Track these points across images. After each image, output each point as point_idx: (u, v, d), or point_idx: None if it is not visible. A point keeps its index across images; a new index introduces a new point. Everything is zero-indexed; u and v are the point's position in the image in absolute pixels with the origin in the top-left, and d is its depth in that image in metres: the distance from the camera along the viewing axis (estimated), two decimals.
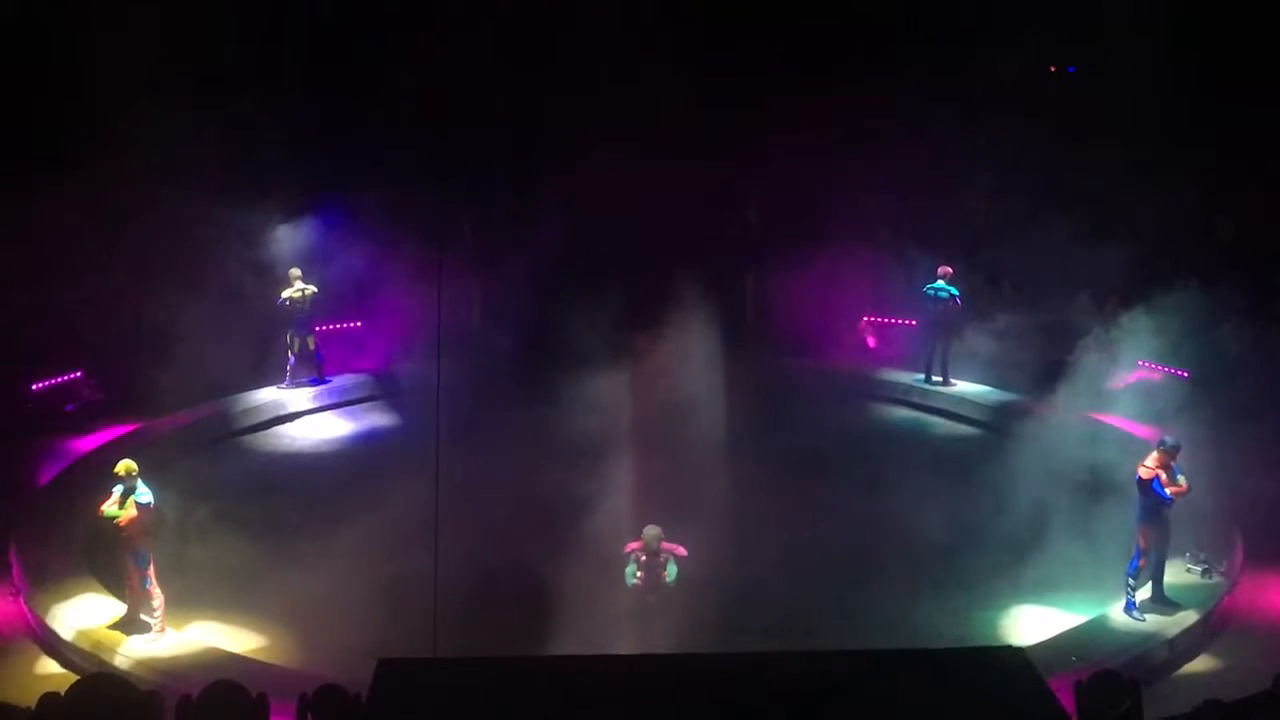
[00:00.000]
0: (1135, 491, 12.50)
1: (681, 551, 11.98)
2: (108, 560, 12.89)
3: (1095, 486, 14.80)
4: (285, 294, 18.94)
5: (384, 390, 19.93)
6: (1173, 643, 12.06)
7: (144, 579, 11.89)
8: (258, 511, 14.93)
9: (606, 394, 15.40)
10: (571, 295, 20.18)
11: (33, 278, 18.53)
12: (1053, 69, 20.33)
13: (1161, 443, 12.52)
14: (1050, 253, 19.17)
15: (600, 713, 5.84)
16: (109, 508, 11.92)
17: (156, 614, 11.93)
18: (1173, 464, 12.40)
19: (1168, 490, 12.23)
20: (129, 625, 11.98)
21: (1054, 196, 18.33)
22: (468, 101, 18.84)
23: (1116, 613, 12.48)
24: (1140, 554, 12.47)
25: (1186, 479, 12.42)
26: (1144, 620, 12.32)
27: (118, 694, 6.21)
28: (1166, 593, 12.67)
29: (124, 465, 12.02)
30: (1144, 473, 12.33)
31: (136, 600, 12.01)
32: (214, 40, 18.34)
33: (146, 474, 12.23)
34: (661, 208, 20.40)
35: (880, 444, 18.15)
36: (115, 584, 12.64)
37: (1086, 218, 18.43)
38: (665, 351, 17.83)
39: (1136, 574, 12.52)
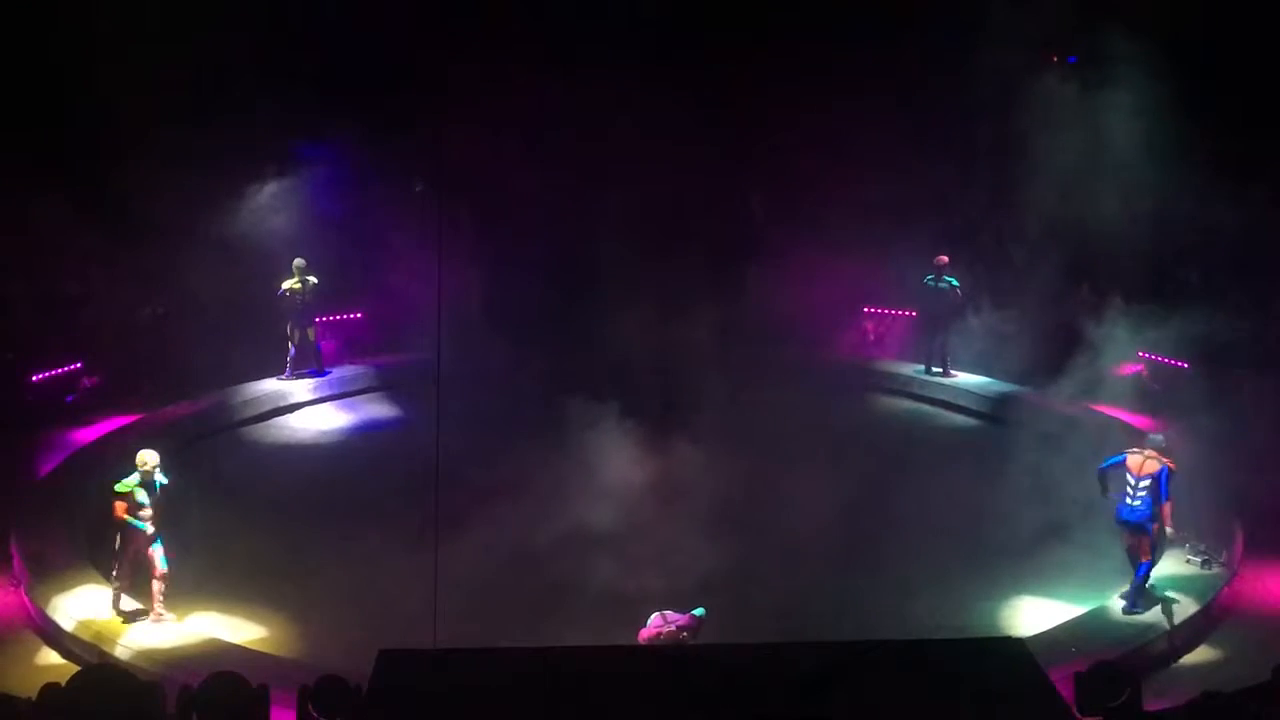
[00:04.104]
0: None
1: (687, 621, 10.99)
2: (111, 549, 12.94)
3: (1095, 479, 14.82)
4: (285, 285, 18.95)
5: (384, 381, 19.95)
6: (1172, 634, 12.07)
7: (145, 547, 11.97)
8: (258, 503, 14.94)
9: (605, 388, 15.42)
10: (569, 287, 20.25)
11: (32, 269, 18.53)
12: (1054, 58, 20.27)
13: (1156, 441, 12.54)
14: (1050, 243, 19.15)
15: (600, 704, 5.85)
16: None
17: (157, 598, 11.98)
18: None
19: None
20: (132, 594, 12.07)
21: (1055, 188, 18.27)
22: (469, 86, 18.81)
23: (1116, 604, 12.49)
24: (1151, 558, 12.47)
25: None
26: (1143, 613, 12.32)
27: (119, 685, 6.21)
28: (1168, 585, 12.69)
29: (140, 456, 12.08)
30: (1152, 466, 12.34)
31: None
32: (206, 28, 18.28)
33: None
34: (661, 200, 20.37)
35: (880, 435, 18.17)
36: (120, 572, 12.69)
37: (1087, 210, 18.38)
38: (663, 343, 17.87)
39: (1147, 578, 12.48)
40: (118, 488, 11.95)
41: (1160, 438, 12.80)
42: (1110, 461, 12.60)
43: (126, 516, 11.89)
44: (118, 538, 12.01)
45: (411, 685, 6.00)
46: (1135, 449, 12.61)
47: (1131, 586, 12.43)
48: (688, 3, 21.12)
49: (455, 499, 11.55)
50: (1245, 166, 18.37)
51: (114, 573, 12.11)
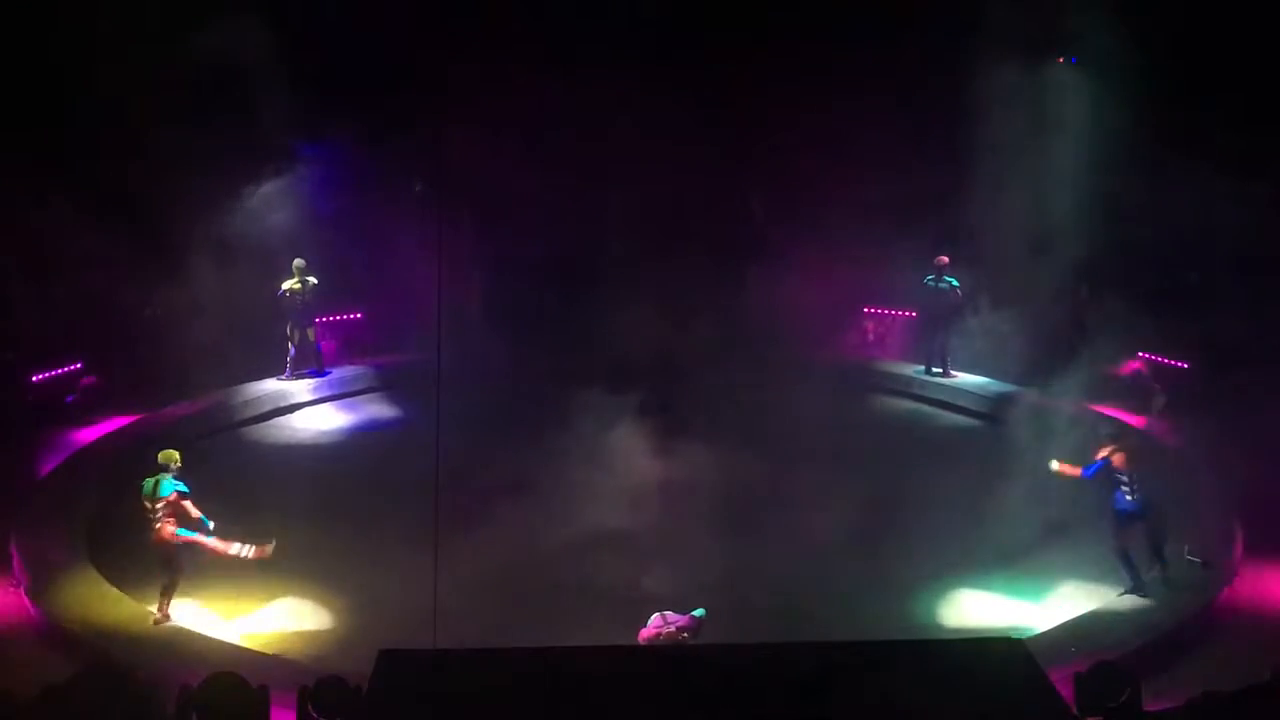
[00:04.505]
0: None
1: (687, 622, 11.07)
2: (115, 549, 12.97)
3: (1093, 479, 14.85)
4: (285, 285, 18.96)
5: (384, 382, 19.94)
6: (1172, 634, 12.06)
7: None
8: (257, 503, 14.91)
9: (605, 388, 15.42)
10: (569, 287, 20.25)
11: (32, 269, 18.52)
12: (1060, 59, 20.27)
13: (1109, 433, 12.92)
14: (1050, 243, 19.15)
15: (600, 704, 5.85)
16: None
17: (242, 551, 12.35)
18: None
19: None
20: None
21: (1055, 188, 18.29)
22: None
23: (1116, 604, 12.49)
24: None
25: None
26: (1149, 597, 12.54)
27: (119, 685, 6.22)
28: (1168, 585, 12.71)
29: (169, 454, 12.35)
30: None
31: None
32: (207, 28, 18.25)
33: (148, 465, 12.31)
34: (661, 200, 20.36)
35: (880, 435, 18.16)
36: (125, 574, 12.74)
37: (1087, 209, 18.40)
38: (663, 343, 17.87)
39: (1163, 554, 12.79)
40: (181, 488, 12.17)
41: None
42: (1095, 467, 12.78)
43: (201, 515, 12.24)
44: (179, 541, 12.18)
45: (411, 685, 5.99)
46: (1104, 448, 12.82)
47: (1152, 575, 12.69)
48: (688, 3, 21.09)
49: (455, 499, 11.57)
50: (1246, 165, 18.36)
51: (175, 578, 12.23)
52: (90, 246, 17.91)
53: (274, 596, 12.91)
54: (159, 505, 12.12)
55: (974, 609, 13.02)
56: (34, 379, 17.56)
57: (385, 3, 19.45)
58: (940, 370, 19.88)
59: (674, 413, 15.87)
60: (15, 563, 13.19)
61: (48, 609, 12.30)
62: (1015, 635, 10.60)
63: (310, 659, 11.51)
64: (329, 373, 19.81)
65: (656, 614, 11.14)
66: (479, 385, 17.82)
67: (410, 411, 18.49)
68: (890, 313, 21.79)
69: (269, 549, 12.46)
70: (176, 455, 12.35)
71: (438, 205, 15.05)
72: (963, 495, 14.92)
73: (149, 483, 12.19)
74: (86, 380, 17.98)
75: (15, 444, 16.22)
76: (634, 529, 13.50)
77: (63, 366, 17.85)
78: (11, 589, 12.89)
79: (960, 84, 18.18)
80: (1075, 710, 6.24)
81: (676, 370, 17.40)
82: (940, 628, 12.62)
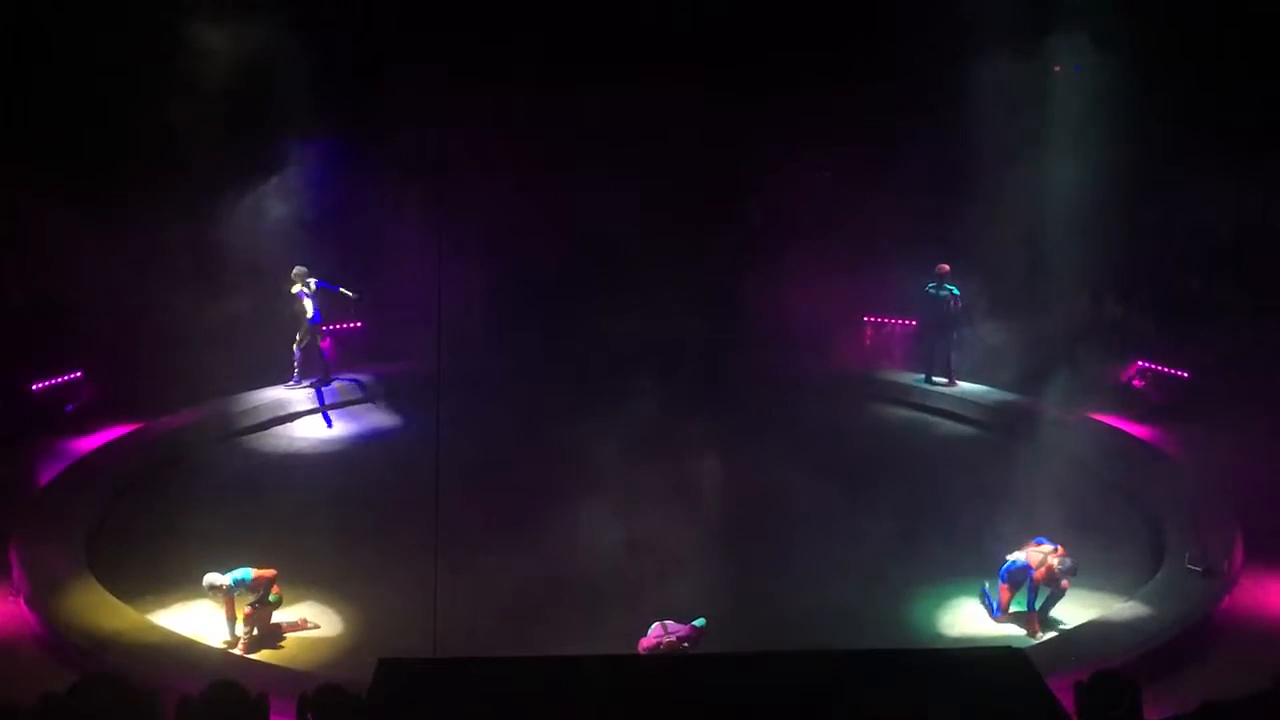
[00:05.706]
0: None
1: (688, 632, 11.21)
2: (115, 558, 12.96)
3: (1094, 487, 14.83)
4: (291, 291, 18.93)
5: (386, 390, 19.93)
6: (1172, 643, 12.06)
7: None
8: (258, 512, 14.92)
9: (604, 396, 15.44)
10: (569, 296, 20.26)
11: (32, 277, 18.52)
12: (1057, 67, 20.31)
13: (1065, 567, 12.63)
14: (1051, 249, 19.18)
15: (600, 714, 5.85)
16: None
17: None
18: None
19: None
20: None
21: (1055, 193, 18.31)
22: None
23: (1116, 613, 12.49)
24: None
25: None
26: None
27: (117, 694, 6.21)
28: (1169, 594, 12.70)
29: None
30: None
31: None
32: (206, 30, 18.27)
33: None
34: (661, 205, 20.37)
35: (880, 444, 18.15)
36: (124, 583, 12.70)
37: (1088, 213, 18.43)
38: (662, 350, 17.86)
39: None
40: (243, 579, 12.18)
41: None
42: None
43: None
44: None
45: (410, 694, 5.98)
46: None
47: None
48: (690, 7, 21.11)
49: (455, 507, 11.56)
50: (1248, 172, 18.39)
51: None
52: (91, 254, 17.93)
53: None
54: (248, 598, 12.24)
55: (974, 618, 13.00)
56: (34, 387, 17.55)
57: (384, 2, 19.48)
58: (945, 379, 19.80)
59: (673, 421, 15.86)
60: (15, 571, 13.18)
61: (47, 618, 12.29)
62: (1015, 644, 10.66)
63: (310, 667, 11.50)
64: (332, 380, 19.78)
65: (657, 623, 11.14)
66: (480, 393, 17.84)
67: (410, 420, 18.48)
68: (891, 321, 21.80)
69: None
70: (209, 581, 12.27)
71: (438, 208, 15.06)
72: (962, 504, 14.91)
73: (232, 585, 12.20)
74: (86, 389, 17.99)
75: (15, 452, 16.22)
76: (634, 538, 13.49)
77: (63, 375, 17.85)
78: (11, 598, 12.89)
79: (961, 90, 18.24)
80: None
81: (676, 378, 17.38)
82: (940, 637, 12.60)
